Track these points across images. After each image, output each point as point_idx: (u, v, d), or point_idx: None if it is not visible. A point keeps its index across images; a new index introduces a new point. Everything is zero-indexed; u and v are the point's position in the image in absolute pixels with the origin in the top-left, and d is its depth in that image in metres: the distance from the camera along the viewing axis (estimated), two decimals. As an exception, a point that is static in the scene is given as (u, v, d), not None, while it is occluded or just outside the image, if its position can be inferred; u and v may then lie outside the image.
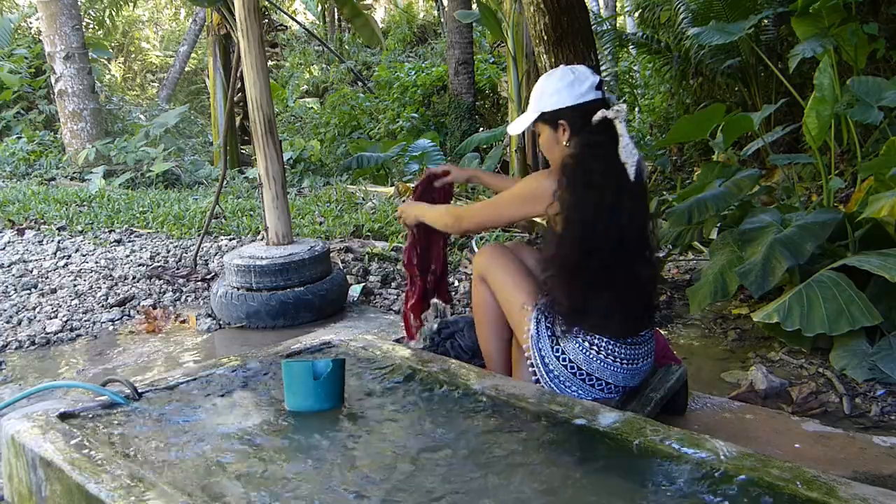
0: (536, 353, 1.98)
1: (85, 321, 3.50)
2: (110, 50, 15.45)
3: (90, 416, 1.71)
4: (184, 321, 3.52)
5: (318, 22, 17.72)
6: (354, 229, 4.89)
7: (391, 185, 7.06)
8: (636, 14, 8.70)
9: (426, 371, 1.97)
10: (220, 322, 3.45)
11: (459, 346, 2.35)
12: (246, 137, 8.83)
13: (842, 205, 3.73)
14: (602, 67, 5.18)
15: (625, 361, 1.95)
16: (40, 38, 9.42)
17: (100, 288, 3.92)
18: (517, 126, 2.13)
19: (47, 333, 3.34)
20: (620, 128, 1.90)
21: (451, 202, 2.53)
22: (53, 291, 3.89)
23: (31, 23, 12.29)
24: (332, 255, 3.97)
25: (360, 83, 13.66)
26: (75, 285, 3.98)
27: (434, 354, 2.16)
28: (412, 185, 2.41)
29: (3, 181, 7.58)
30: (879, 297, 2.62)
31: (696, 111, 5.87)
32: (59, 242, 4.78)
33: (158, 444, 1.58)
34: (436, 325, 2.43)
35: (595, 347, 1.93)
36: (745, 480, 1.38)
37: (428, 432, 1.68)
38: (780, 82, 5.17)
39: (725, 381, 2.69)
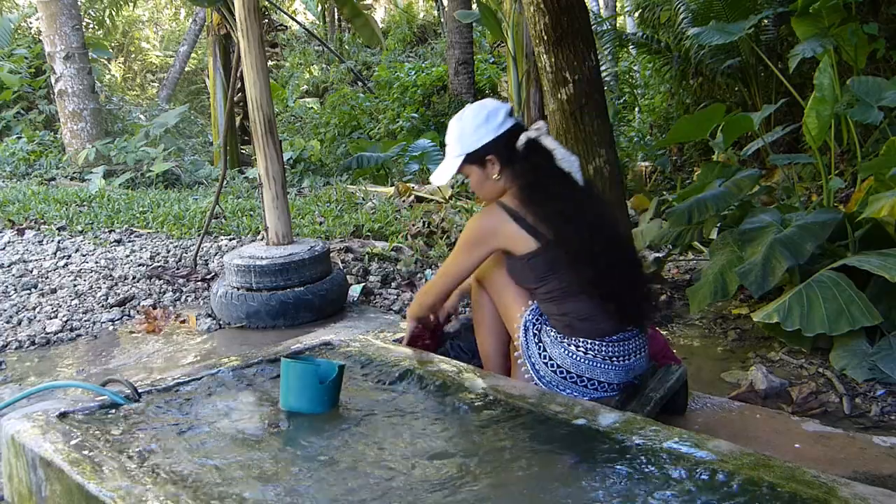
0: (528, 362, 2.00)
1: (85, 321, 3.49)
2: (110, 50, 15.44)
3: (90, 416, 1.71)
4: (184, 321, 3.52)
5: (318, 22, 17.72)
6: (354, 229, 4.88)
7: (391, 185, 7.06)
8: (636, 14, 8.71)
9: (425, 371, 1.97)
10: (220, 322, 3.45)
11: (459, 347, 2.35)
12: (246, 137, 8.83)
13: (842, 205, 3.73)
14: (602, 67, 5.16)
15: (614, 358, 1.95)
16: (40, 38, 9.41)
17: (100, 288, 3.92)
18: (441, 176, 2.06)
19: (47, 333, 3.34)
20: (548, 142, 1.96)
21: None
22: (53, 291, 3.89)
23: (31, 23, 12.27)
24: (332, 255, 3.97)
25: (360, 83, 13.65)
26: (75, 285, 3.97)
27: (433, 354, 2.16)
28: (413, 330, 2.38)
29: (3, 181, 7.57)
30: (879, 297, 2.62)
31: (696, 111, 5.88)
32: (59, 242, 4.78)
33: (158, 445, 1.58)
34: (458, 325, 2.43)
35: (581, 349, 1.94)
36: (745, 480, 1.38)
37: (427, 433, 1.68)
38: (780, 82, 5.17)
39: (725, 381, 2.69)
